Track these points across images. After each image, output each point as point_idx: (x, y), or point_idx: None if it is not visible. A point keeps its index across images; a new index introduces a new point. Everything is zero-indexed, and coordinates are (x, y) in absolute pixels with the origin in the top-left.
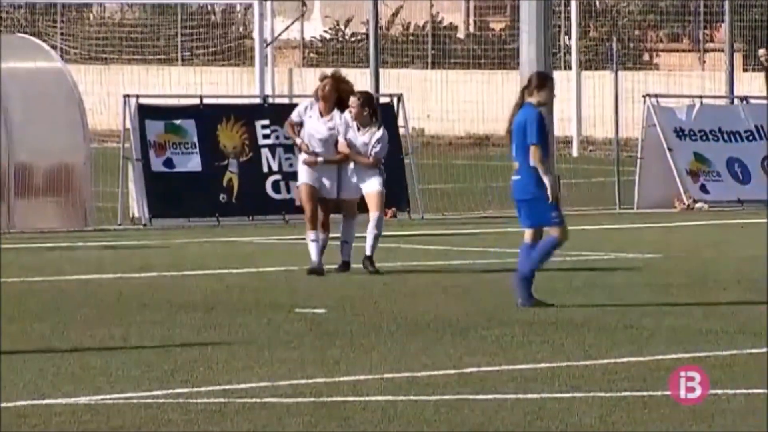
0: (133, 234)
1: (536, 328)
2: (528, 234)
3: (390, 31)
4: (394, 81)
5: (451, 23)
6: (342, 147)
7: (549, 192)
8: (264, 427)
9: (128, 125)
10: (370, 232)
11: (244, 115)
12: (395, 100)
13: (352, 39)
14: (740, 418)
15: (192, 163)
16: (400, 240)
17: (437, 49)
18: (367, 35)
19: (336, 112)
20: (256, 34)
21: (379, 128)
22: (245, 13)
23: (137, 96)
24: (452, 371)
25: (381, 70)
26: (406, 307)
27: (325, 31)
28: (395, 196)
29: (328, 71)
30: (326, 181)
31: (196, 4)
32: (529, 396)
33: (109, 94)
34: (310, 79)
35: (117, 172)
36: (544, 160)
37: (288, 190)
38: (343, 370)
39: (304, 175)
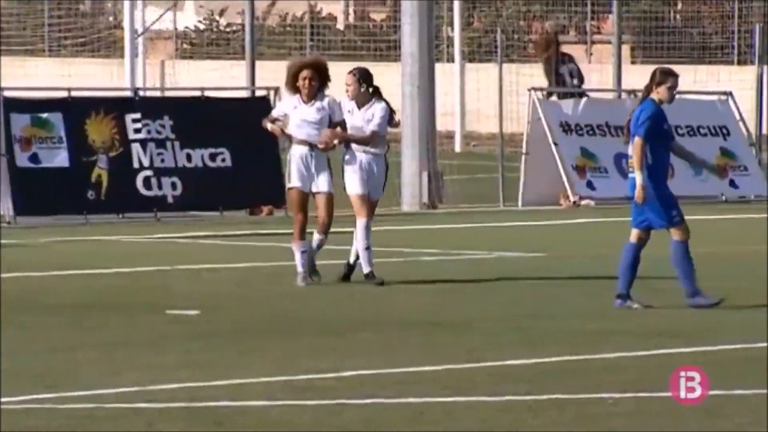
0: None
1: (418, 331)
2: (634, 234)
3: (267, 22)
4: (271, 73)
5: (330, 14)
6: (332, 134)
7: (638, 192)
8: None
9: None
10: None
11: (114, 108)
12: (272, 93)
13: (228, 30)
14: (630, 419)
15: (59, 158)
16: (279, 238)
17: (316, 40)
18: (243, 26)
19: (318, 95)
20: (126, 24)
21: (379, 102)
22: (115, 3)
23: (2, 89)
24: (331, 375)
25: (257, 62)
26: (283, 309)
27: (200, 22)
28: (271, 193)
29: (305, 59)
30: (320, 177)
31: None
32: (410, 400)
33: None
34: (183, 71)
35: None
36: (643, 155)
37: (159, 187)
38: (218, 374)
39: (294, 176)
